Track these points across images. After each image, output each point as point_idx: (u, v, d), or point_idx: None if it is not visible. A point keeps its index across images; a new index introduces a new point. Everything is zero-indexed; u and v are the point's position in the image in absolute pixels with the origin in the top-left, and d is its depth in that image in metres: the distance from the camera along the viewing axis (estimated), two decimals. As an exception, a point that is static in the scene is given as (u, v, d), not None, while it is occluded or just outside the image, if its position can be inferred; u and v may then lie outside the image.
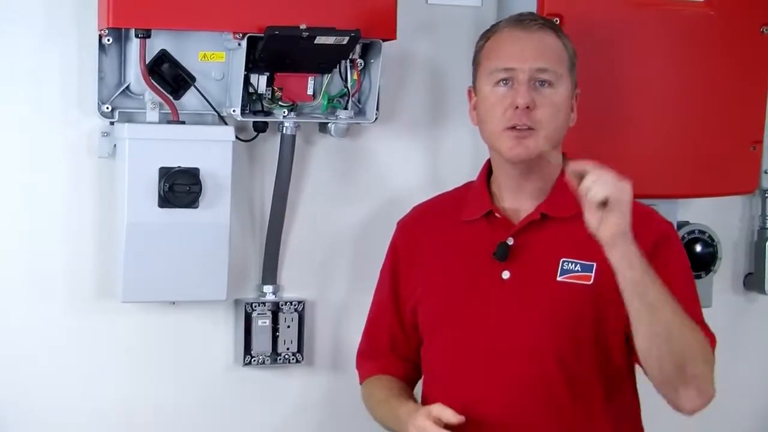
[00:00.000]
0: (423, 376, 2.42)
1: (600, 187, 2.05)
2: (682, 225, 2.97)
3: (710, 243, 2.98)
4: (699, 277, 2.95)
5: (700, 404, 2.19)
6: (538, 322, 2.27)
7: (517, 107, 2.27)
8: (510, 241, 2.31)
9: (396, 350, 2.46)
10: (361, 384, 2.51)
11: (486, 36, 2.38)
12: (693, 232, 2.97)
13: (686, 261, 2.35)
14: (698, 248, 2.97)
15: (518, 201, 2.35)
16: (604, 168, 2.08)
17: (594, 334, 2.26)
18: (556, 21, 2.60)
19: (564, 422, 2.27)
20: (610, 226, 2.07)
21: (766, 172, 3.02)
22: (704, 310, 2.95)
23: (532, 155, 2.29)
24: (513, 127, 2.28)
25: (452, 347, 2.33)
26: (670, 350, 2.11)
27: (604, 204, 2.05)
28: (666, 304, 2.10)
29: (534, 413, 2.26)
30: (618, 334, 2.26)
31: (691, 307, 2.21)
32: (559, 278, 2.27)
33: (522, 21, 2.35)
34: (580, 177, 2.08)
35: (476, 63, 2.39)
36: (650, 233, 2.25)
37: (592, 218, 2.08)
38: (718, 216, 3.07)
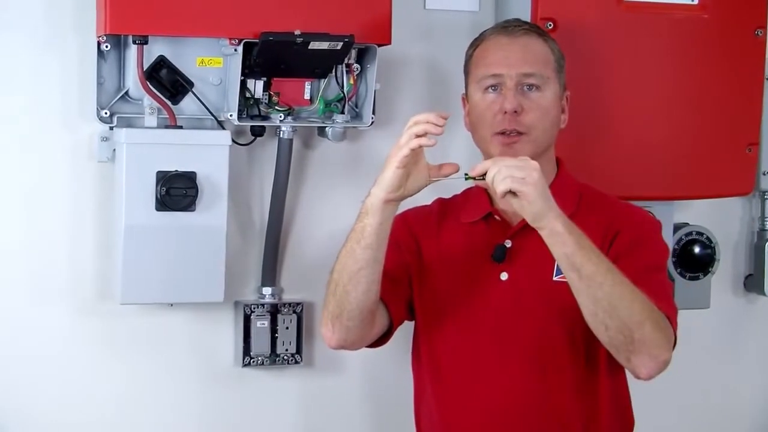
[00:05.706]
0: (426, 375, 2.43)
1: (500, 182, 2.09)
2: (680, 226, 2.98)
3: (708, 244, 2.99)
4: (697, 278, 2.97)
5: (654, 368, 2.19)
6: (534, 322, 2.30)
7: (505, 112, 2.31)
8: (508, 243, 2.34)
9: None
10: None
11: (474, 44, 2.43)
12: (691, 233, 2.98)
13: (660, 246, 2.38)
14: (696, 250, 2.97)
15: None
16: (502, 160, 2.12)
17: (590, 332, 2.28)
18: (550, 25, 2.63)
19: (563, 419, 2.29)
20: (525, 214, 2.12)
21: (765, 174, 3.02)
22: (702, 312, 2.97)
23: None
24: (502, 133, 2.32)
25: (454, 348, 2.36)
26: (613, 320, 2.13)
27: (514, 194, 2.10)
28: (606, 276, 2.13)
29: (533, 411, 2.29)
30: None
31: (648, 283, 2.22)
32: (554, 278, 2.30)
33: (507, 27, 2.40)
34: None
35: (466, 72, 2.44)
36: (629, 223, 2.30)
37: (512, 207, 2.15)
38: (717, 218, 3.07)
